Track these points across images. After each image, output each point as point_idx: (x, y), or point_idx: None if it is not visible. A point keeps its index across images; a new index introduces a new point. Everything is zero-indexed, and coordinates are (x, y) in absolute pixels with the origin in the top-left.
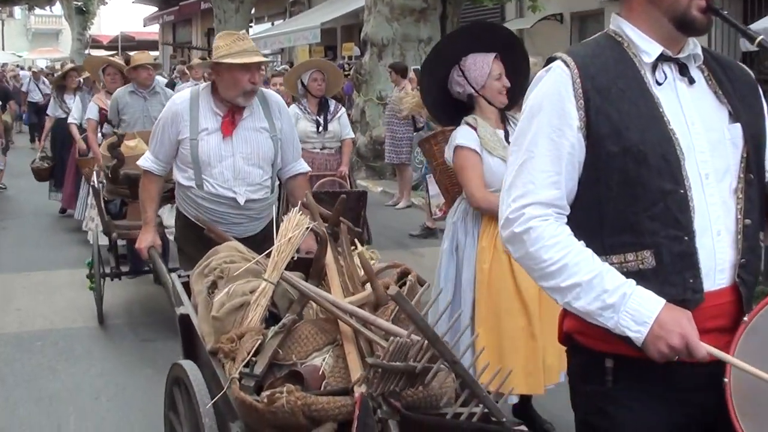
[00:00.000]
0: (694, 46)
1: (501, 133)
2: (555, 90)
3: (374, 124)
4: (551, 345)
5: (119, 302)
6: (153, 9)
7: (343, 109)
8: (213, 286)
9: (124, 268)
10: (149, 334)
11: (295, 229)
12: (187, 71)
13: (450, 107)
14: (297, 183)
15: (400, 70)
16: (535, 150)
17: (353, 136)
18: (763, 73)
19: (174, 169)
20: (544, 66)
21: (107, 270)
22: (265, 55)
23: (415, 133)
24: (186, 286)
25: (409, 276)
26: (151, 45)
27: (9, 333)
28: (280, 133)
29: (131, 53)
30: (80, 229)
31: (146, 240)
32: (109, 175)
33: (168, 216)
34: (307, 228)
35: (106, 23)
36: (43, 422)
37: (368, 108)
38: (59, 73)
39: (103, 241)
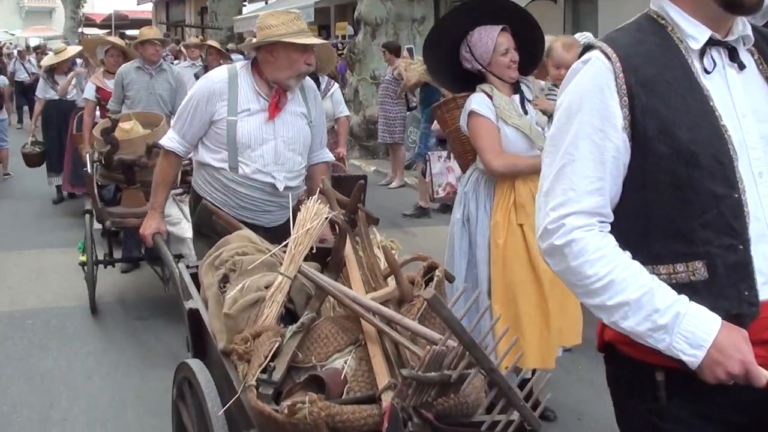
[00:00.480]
0: (744, 26)
1: (516, 98)
2: (595, 86)
3: (367, 104)
4: (559, 313)
5: (111, 281)
6: None
7: (336, 86)
8: (224, 280)
9: (118, 255)
10: (141, 312)
11: (313, 219)
12: (184, 50)
13: (462, 77)
14: (318, 169)
15: (393, 50)
16: (576, 153)
17: (348, 113)
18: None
19: (199, 149)
20: (580, 55)
21: (100, 257)
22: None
23: (408, 113)
24: (195, 277)
25: (437, 271)
26: (144, 24)
27: (1, 312)
28: (314, 119)
29: (135, 32)
30: (73, 210)
31: (151, 226)
32: (103, 161)
33: (168, 205)
34: (326, 218)
35: (100, 2)
36: (35, 401)
37: (361, 87)
38: (59, 57)
39: (97, 225)
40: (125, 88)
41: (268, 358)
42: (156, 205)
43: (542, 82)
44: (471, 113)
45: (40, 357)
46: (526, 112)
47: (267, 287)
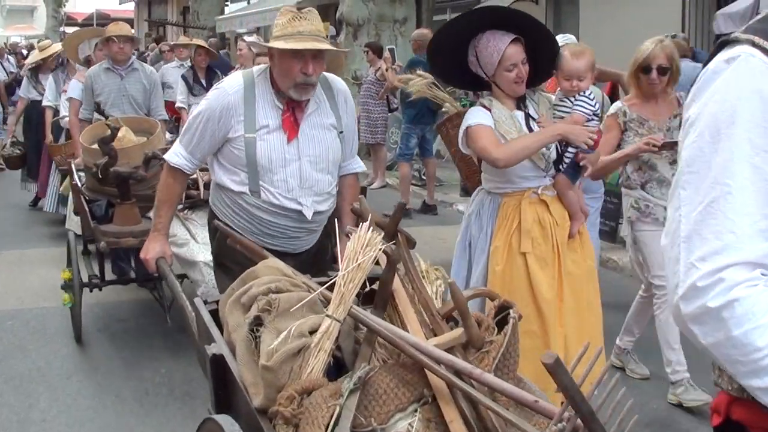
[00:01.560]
0: None
1: (519, 115)
2: (753, 91)
3: None
4: (563, 352)
5: None
6: None
7: None
8: (257, 322)
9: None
10: (122, 314)
11: (365, 251)
12: (166, 49)
13: (471, 79)
14: (348, 182)
15: (375, 50)
16: (731, 182)
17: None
18: None
19: (215, 168)
20: (714, 54)
21: (87, 279)
22: (240, 34)
23: (390, 114)
24: (214, 314)
25: (511, 311)
26: (126, 23)
27: None
28: (345, 128)
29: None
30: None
31: (155, 249)
32: (99, 175)
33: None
34: (380, 249)
35: (82, 0)
36: (14, 401)
37: None
38: (44, 53)
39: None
40: (95, 92)
41: (330, 427)
42: (160, 226)
43: (552, 96)
44: (468, 128)
45: (20, 358)
46: (530, 130)
47: (311, 332)
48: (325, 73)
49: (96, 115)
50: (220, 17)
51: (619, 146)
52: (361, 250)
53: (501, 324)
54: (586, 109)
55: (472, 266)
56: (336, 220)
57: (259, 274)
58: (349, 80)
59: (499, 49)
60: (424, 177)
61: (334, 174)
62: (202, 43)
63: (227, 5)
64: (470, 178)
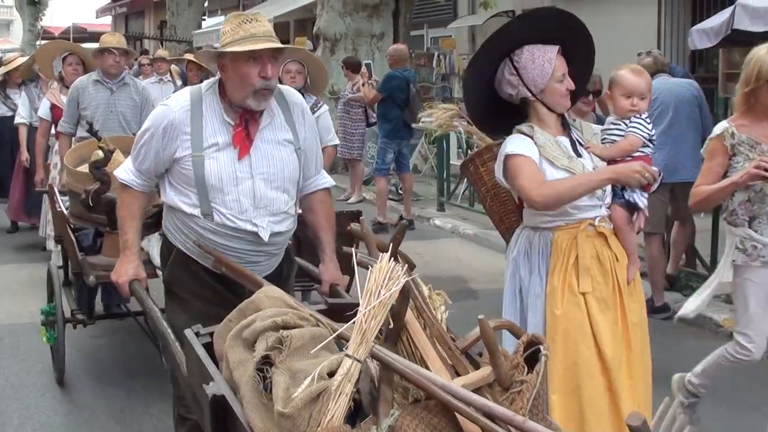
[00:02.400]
0: None
1: (565, 141)
2: None
3: None
4: (629, 401)
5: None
6: (106, 0)
7: (325, 108)
8: (265, 361)
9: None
10: (95, 330)
11: (388, 285)
12: (145, 63)
13: (495, 112)
14: (318, 198)
15: (352, 65)
16: None
17: (337, 142)
18: (710, 71)
19: (166, 188)
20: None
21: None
22: (184, 53)
23: (367, 128)
24: (208, 347)
25: (542, 347)
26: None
27: None
28: (303, 143)
29: (94, 45)
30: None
31: (127, 272)
32: (90, 202)
33: (157, 251)
34: (403, 282)
35: (58, 14)
36: None
37: None
38: (9, 66)
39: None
40: (81, 105)
41: None
42: (129, 244)
43: (594, 126)
44: (507, 157)
45: None
46: (579, 155)
47: (330, 374)
48: (279, 86)
49: (79, 133)
50: (198, 31)
51: (726, 174)
52: (384, 283)
53: (528, 362)
54: (643, 132)
55: (526, 314)
56: (295, 242)
57: (261, 306)
58: (326, 95)
59: (550, 59)
60: (401, 192)
61: (292, 192)
62: (192, 57)
63: (204, 20)
64: (506, 219)
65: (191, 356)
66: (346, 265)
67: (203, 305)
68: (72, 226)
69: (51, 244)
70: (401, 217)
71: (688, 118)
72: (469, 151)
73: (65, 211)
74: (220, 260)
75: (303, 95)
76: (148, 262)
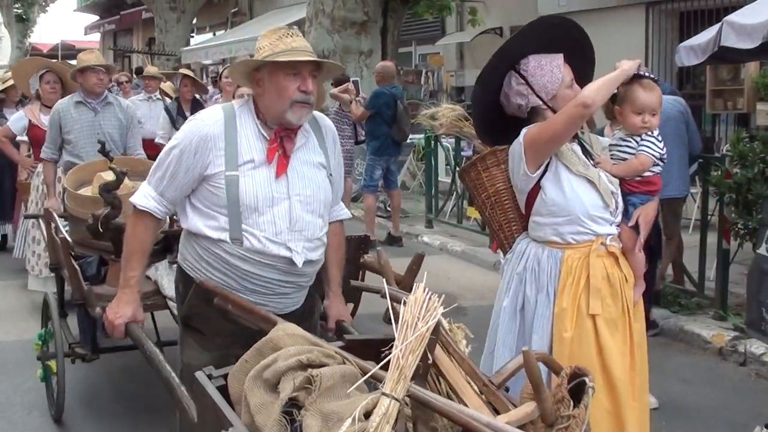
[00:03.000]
0: None
1: (577, 148)
2: None
3: None
4: (637, 426)
5: None
6: (94, 18)
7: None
8: (292, 403)
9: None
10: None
11: (425, 318)
12: (126, 80)
13: (497, 126)
14: (333, 230)
15: (340, 82)
16: None
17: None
18: (698, 87)
19: (187, 213)
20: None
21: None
22: (205, 66)
23: (355, 145)
24: (222, 389)
25: (587, 379)
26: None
27: None
28: (333, 170)
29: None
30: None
31: (125, 313)
32: (100, 228)
33: (168, 280)
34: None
35: (47, 31)
36: None
37: None
38: (3, 86)
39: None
40: (63, 128)
41: None
42: (132, 282)
43: (603, 139)
44: (526, 135)
45: None
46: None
47: (366, 415)
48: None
49: (66, 157)
50: (186, 48)
51: None
52: (420, 316)
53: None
54: (654, 151)
55: (523, 332)
56: (322, 274)
57: (281, 344)
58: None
59: (559, 66)
60: (389, 209)
61: (325, 218)
62: (187, 72)
63: (192, 37)
64: (504, 228)
65: (203, 401)
66: (346, 293)
67: (225, 343)
68: (74, 254)
69: (35, 264)
70: (390, 234)
71: (674, 135)
72: (458, 168)
73: (66, 236)
74: (225, 298)
75: None
76: (156, 292)
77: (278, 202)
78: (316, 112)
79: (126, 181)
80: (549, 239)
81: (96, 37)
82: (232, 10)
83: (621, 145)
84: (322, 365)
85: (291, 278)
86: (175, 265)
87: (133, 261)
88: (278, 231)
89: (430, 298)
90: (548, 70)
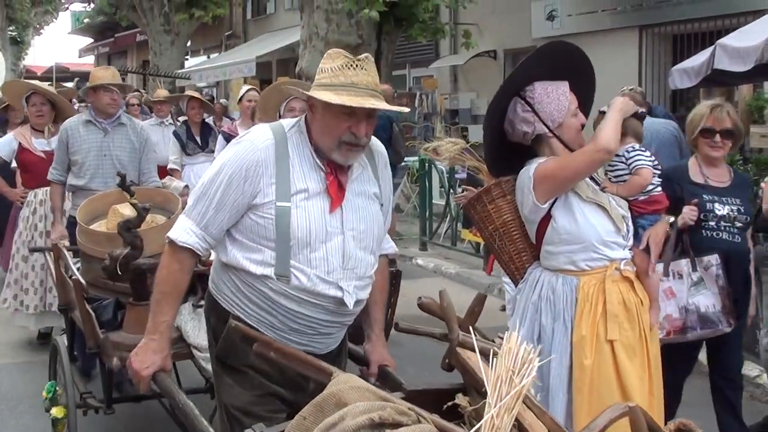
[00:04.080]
0: None
1: None
2: None
3: None
4: None
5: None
6: (88, 40)
7: None
8: None
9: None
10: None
11: (522, 372)
12: (136, 104)
13: (502, 154)
14: (380, 269)
15: None
16: None
17: None
18: (691, 110)
19: (227, 246)
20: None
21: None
22: (199, 89)
23: None
24: None
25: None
26: (86, 76)
27: None
28: (386, 200)
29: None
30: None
31: (154, 361)
32: (119, 271)
33: (193, 326)
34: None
35: (41, 54)
36: None
37: None
38: None
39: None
40: (70, 149)
41: None
42: (163, 328)
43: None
44: (537, 170)
45: None
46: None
47: None
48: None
49: (71, 181)
50: (180, 71)
51: None
52: (515, 370)
53: None
54: (646, 161)
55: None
56: (362, 314)
57: (345, 399)
58: None
59: (565, 93)
60: None
61: (376, 255)
62: (194, 93)
63: (187, 59)
64: (516, 258)
65: None
66: None
67: (263, 380)
68: (87, 296)
69: (26, 320)
70: None
71: (667, 158)
72: (452, 190)
73: (80, 278)
74: (269, 345)
75: None
76: (180, 339)
77: (332, 237)
78: (374, 141)
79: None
80: (563, 267)
81: (90, 59)
82: (226, 33)
83: (614, 168)
84: (396, 424)
85: (338, 318)
86: (200, 309)
87: (164, 304)
88: (330, 269)
89: (526, 349)
90: (555, 97)
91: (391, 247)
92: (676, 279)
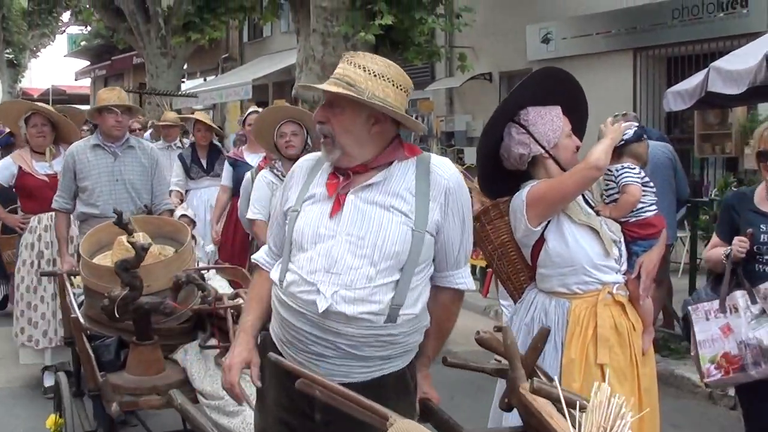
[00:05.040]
0: None
1: (578, 197)
2: None
3: None
4: None
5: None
6: (85, 63)
7: None
8: None
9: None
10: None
11: (614, 427)
12: (139, 128)
13: (497, 177)
14: (442, 299)
15: None
16: None
17: None
18: (686, 132)
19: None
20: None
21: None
22: (195, 110)
23: None
24: None
25: None
26: (82, 99)
27: None
28: (435, 229)
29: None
30: None
31: (241, 354)
32: (116, 312)
33: (198, 369)
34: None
35: (37, 76)
36: None
37: None
38: None
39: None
40: (79, 175)
41: None
42: (247, 326)
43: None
44: (529, 193)
45: None
46: (596, 213)
47: None
48: (432, 155)
49: (79, 209)
50: (176, 94)
51: None
52: (609, 425)
53: None
54: (633, 177)
55: None
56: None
57: None
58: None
59: (558, 115)
60: None
61: (386, 272)
62: (201, 117)
63: (184, 82)
64: (514, 278)
65: None
66: None
67: (278, 406)
68: (88, 334)
69: (26, 356)
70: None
71: (664, 182)
72: None
73: (79, 316)
74: (313, 380)
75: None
76: (185, 382)
77: (323, 239)
78: (436, 158)
79: (151, 248)
80: (556, 290)
81: (87, 82)
82: (223, 56)
83: (608, 188)
84: None
85: (321, 333)
86: (207, 351)
87: (251, 307)
88: (313, 269)
89: (619, 404)
90: (549, 119)
91: (463, 282)
92: (732, 314)
